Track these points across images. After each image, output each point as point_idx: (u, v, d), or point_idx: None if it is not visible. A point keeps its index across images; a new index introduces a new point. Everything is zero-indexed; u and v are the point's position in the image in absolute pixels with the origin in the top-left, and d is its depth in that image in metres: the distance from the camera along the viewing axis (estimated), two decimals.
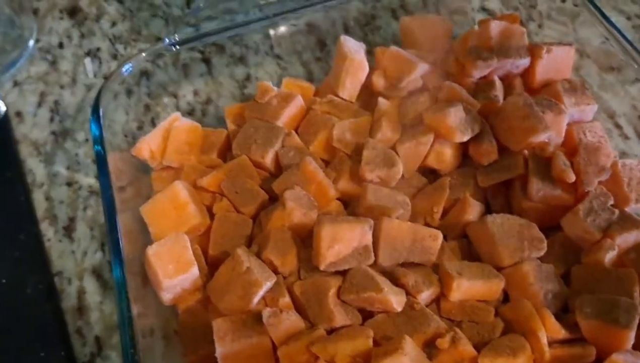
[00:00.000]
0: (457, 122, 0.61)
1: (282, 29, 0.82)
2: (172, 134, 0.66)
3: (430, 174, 0.64)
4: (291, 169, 0.60)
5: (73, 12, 0.89)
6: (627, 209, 0.59)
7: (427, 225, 0.60)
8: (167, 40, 0.68)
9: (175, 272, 0.53)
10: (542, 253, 0.56)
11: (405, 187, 0.62)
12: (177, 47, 0.69)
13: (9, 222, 0.68)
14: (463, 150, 0.64)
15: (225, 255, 0.58)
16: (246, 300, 0.53)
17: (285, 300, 0.53)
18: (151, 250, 0.54)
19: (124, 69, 0.66)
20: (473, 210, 0.59)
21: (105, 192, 0.57)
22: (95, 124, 0.61)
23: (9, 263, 0.65)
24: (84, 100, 0.80)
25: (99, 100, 0.63)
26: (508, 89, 0.67)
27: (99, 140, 0.60)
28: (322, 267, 0.53)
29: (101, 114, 0.63)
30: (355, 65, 0.66)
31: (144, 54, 0.68)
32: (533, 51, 0.67)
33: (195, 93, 0.80)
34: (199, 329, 0.55)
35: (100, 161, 0.59)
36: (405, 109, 0.65)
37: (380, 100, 0.65)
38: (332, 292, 0.53)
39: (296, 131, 0.66)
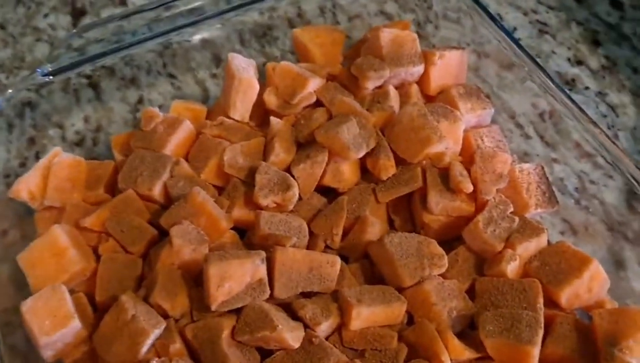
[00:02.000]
0: (350, 138, 0.58)
1: (175, 46, 0.78)
2: (52, 171, 0.61)
3: (330, 192, 0.62)
4: (179, 202, 0.56)
5: None
6: (527, 216, 0.58)
7: (328, 248, 0.58)
8: (39, 71, 0.64)
9: (52, 327, 0.49)
10: (443, 270, 0.54)
11: (304, 209, 0.59)
12: (52, 77, 0.64)
13: None
14: (361, 165, 0.62)
15: (113, 300, 0.54)
16: (134, 350, 0.49)
17: (177, 346, 0.50)
18: (25, 306, 0.50)
19: None
20: (373, 229, 0.57)
21: None
22: None
23: None
24: None
25: None
26: (404, 98, 0.65)
27: None
28: (213, 308, 0.50)
29: None
30: (245, 84, 0.63)
31: (9, 91, 0.63)
32: (426, 57, 0.66)
33: (86, 120, 0.75)
34: None
35: None
36: (299, 127, 0.62)
37: (273, 119, 0.62)
38: (226, 333, 0.50)
39: (186, 158, 0.63)
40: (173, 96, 0.78)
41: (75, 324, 0.50)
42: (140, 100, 0.77)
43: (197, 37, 0.77)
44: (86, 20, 0.86)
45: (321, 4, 0.83)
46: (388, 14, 0.83)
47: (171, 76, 0.79)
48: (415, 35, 0.66)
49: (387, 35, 0.65)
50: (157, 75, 0.79)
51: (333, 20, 0.83)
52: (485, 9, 0.69)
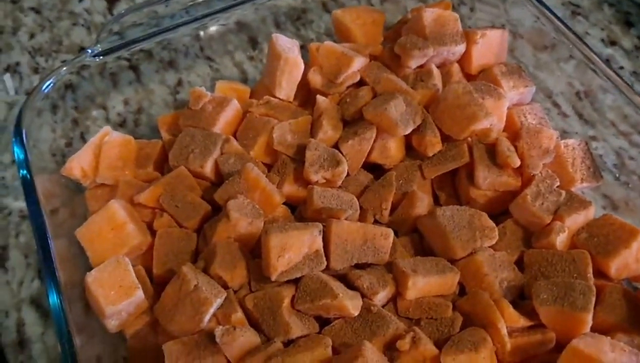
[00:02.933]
0: (398, 115, 0.59)
1: (212, 29, 0.79)
2: (103, 149, 0.62)
3: (374, 169, 0.63)
4: (233, 178, 0.58)
5: None
6: (573, 189, 0.59)
7: (377, 222, 0.59)
8: (89, 51, 0.65)
9: (118, 297, 0.50)
10: (494, 241, 0.55)
11: (352, 185, 0.61)
12: (101, 57, 0.65)
13: None
14: (406, 142, 0.63)
15: (171, 273, 0.55)
16: (197, 319, 0.50)
17: (238, 315, 0.51)
18: (90, 277, 0.51)
19: (44, 85, 0.62)
20: (422, 203, 0.58)
21: (35, 218, 0.53)
22: (19, 146, 0.57)
23: None
24: (7, 119, 0.76)
25: (21, 120, 0.59)
26: (446, 77, 0.66)
27: (24, 163, 0.56)
28: (273, 278, 0.51)
29: (24, 134, 0.59)
30: (290, 63, 0.64)
31: (64, 68, 0.64)
32: (468, 37, 0.67)
33: (126, 102, 0.76)
34: (150, 354, 0.52)
35: (27, 186, 0.55)
36: (344, 105, 0.63)
37: (319, 98, 0.63)
38: (286, 302, 0.51)
39: (234, 136, 0.64)
40: (212, 78, 0.79)
41: (139, 294, 0.51)
42: (179, 83, 0.78)
43: (232, 20, 0.79)
44: (121, 5, 0.87)
45: None
46: None
47: (209, 59, 0.80)
48: (457, 15, 0.67)
49: (429, 14, 0.66)
50: (195, 57, 0.80)
51: (367, 2, 0.84)
52: None
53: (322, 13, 0.84)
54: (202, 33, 0.80)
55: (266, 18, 0.82)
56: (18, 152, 0.57)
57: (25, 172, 0.56)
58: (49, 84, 0.62)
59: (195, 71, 0.79)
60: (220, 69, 0.80)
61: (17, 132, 0.58)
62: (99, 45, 0.65)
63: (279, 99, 0.66)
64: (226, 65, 0.80)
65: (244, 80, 0.79)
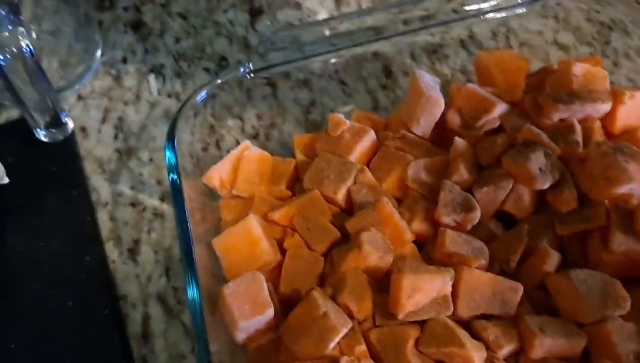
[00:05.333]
0: (537, 168, 0.59)
1: (348, 55, 0.81)
2: (242, 163, 0.65)
3: (502, 217, 0.63)
4: (366, 209, 0.59)
5: (137, 26, 0.89)
6: None
7: (503, 273, 0.59)
8: (241, 69, 0.68)
9: (251, 313, 0.53)
10: (624, 312, 0.54)
11: (480, 232, 0.61)
12: (251, 75, 0.68)
13: (75, 242, 0.68)
14: (539, 195, 0.62)
15: (296, 293, 0.57)
16: (322, 345, 0.52)
17: (362, 348, 0.52)
18: (228, 289, 0.53)
19: (199, 97, 0.65)
20: (551, 261, 0.58)
21: (183, 224, 0.56)
22: (171, 151, 0.60)
23: (74, 285, 0.65)
24: (148, 118, 0.80)
25: (175, 127, 0.62)
26: (587, 134, 0.65)
27: (175, 168, 0.59)
28: (400, 316, 0.52)
29: (175, 140, 0.62)
30: (432, 102, 0.65)
31: (219, 80, 0.67)
32: (615, 96, 0.66)
33: (259, 117, 0.79)
34: None
35: (176, 191, 0.58)
36: (481, 150, 0.63)
37: (457, 140, 0.64)
38: (411, 342, 0.52)
39: (367, 166, 0.65)
40: (344, 102, 0.81)
41: (271, 312, 0.53)
42: (312, 103, 0.81)
43: (369, 50, 0.80)
44: (263, 19, 0.90)
45: (494, 28, 0.84)
46: (563, 44, 0.83)
47: (342, 83, 0.82)
48: (606, 73, 0.66)
49: (579, 69, 0.65)
50: (329, 79, 0.82)
51: (506, 44, 0.84)
52: None
53: (458, 49, 0.84)
54: (337, 59, 0.81)
55: (402, 49, 0.83)
56: (170, 157, 0.60)
57: (175, 176, 0.59)
58: (203, 96, 0.65)
59: (328, 93, 0.81)
60: (353, 94, 0.81)
61: (170, 138, 0.61)
62: (250, 65, 0.68)
63: (415, 135, 0.67)
64: (359, 90, 0.82)
65: (375, 107, 0.80)
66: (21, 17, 0.64)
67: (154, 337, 0.63)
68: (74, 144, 0.75)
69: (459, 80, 0.81)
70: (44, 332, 0.62)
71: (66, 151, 0.74)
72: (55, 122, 0.71)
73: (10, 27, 0.62)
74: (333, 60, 0.80)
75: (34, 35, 0.83)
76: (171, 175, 0.59)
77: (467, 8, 0.76)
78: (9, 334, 0.62)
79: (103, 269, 0.66)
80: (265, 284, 0.54)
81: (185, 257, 0.54)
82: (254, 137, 0.77)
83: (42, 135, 0.72)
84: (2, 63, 0.62)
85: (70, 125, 0.74)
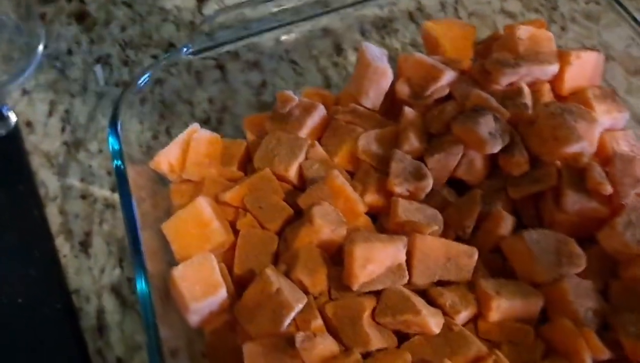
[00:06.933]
0: (487, 132, 0.59)
1: (297, 33, 0.80)
2: (191, 146, 0.64)
3: (455, 184, 0.62)
4: (317, 184, 0.58)
5: (81, 17, 0.87)
6: None
7: (458, 239, 0.58)
8: (184, 49, 0.66)
9: (203, 294, 0.51)
10: (580, 269, 0.54)
11: (434, 200, 0.60)
12: (194, 55, 0.66)
13: (23, 238, 0.66)
14: (490, 159, 0.62)
15: (250, 273, 0.56)
16: (277, 323, 0.51)
17: (318, 322, 0.51)
18: (177, 272, 0.52)
19: (141, 80, 0.63)
20: (506, 224, 0.58)
21: (127, 210, 0.54)
22: (114, 137, 0.59)
23: (24, 281, 0.63)
24: (96, 108, 0.78)
25: (118, 112, 0.61)
26: (535, 96, 0.65)
27: (119, 155, 0.58)
28: (355, 288, 0.51)
29: (119, 126, 0.60)
30: (379, 73, 0.64)
31: (163, 63, 0.65)
32: (562, 57, 0.66)
33: (210, 100, 0.78)
34: (228, 352, 0.53)
35: (121, 177, 0.57)
36: (431, 118, 0.63)
37: (407, 109, 0.63)
38: (367, 313, 0.51)
39: (318, 142, 0.64)
40: (295, 82, 0.80)
41: (223, 292, 0.52)
42: (263, 84, 0.79)
43: (317, 26, 0.79)
44: (211, 4, 0.88)
45: None
46: (510, 12, 0.83)
47: (293, 62, 0.81)
48: (551, 35, 0.66)
49: (524, 32, 0.65)
50: (280, 60, 0.81)
51: (454, 15, 0.84)
52: (624, 7, 0.68)
53: (408, 23, 0.83)
54: (286, 36, 0.80)
55: (352, 25, 0.82)
56: (113, 143, 0.58)
57: (119, 162, 0.57)
58: (145, 79, 0.64)
59: (279, 74, 0.80)
60: (304, 73, 0.80)
61: (113, 123, 0.60)
62: (192, 44, 0.66)
63: (365, 107, 0.66)
64: (310, 69, 0.81)
65: (327, 85, 0.79)
66: None
67: (109, 330, 0.62)
68: (18, 139, 0.73)
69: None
70: None
71: (10, 146, 0.72)
72: None
73: None
74: (283, 38, 0.79)
75: None
76: (115, 161, 0.58)
77: None
78: None
79: (53, 264, 0.64)
80: (216, 264, 0.53)
81: (133, 245, 0.53)
82: (206, 122, 0.76)
83: None
84: None
85: (13, 119, 0.72)
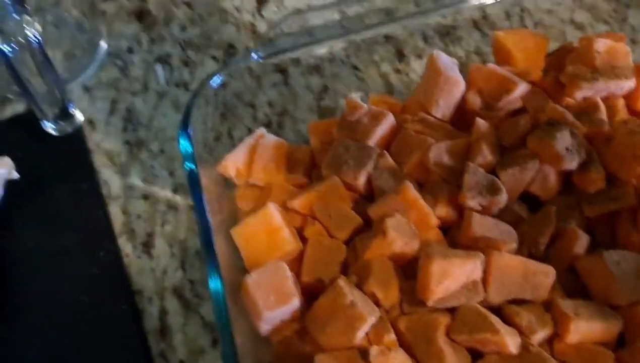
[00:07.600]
0: (564, 147, 0.58)
1: (358, 37, 0.79)
2: (258, 151, 0.63)
3: (527, 199, 0.61)
4: (389, 194, 0.57)
5: (141, 15, 0.87)
6: None
7: (531, 257, 0.57)
8: (254, 55, 0.66)
9: (276, 303, 0.51)
10: None
11: (506, 216, 0.59)
12: (264, 60, 0.66)
13: (87, 237, 0.66)
14: (564, 175, 0.61)
15: (319, 282, 0.55)
16: (349, 335, 0.50)
17: (391, 337, 0.51)
18: (250, 279, 0.52)
19: (213, 83, 0.63)
20: (582, 242, 0.56)
21: (201, 214, 0.54)
22: (186, 140, 0.59)
23: (88, 280, 0.63)
24: (156, 108, 0.78)
25: (189, 115, 0.60)
26: (610, 112, 0.64)
27: (192, 158, 0.57)
28: (430, 303, 0.51)
29: (190, 129, 0.60)
30: (451, 83, 0.63)
31: (231, 67, 0.65)
32: (638, 72, 0.64)
33: (270, 104, 0.77)
34: (296, 361, 0.53)
35: (194, 180, 0.56)
36: (504, 131, 0.62)
37: (479, 121, 0.62)
38: (441, 330, 0.50)
39: (387, 151, 0.63)
40: (357, 87, 0.79)
41: (296, 302, 0.52)
42: (324, 89, 0.79)
43: (379, 32, 0.78)
44: (270, 5, 0.88)
45: (508, 8, 0.82)
46: (579, 23, 0.81)
47: (354, 68, 0.80)
48: (629, 49, 0.64)
49: (601, 45, 0.63)
50: (341, 64, 0.80)
51: (520, 24, 0.82)
52: None
53: (472, 31, 0.82)
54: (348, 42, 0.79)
55: (414, 32, 0.81)
56: (186, 146, 0.58)
57: (193, 166, 0.57)
58: (218, 82, 0.64)
59: (340, 79, 0.79)
60: (366, 78, 0.80)
61: (185, 126, 0.59)
62: (261, 50, 0.66)
63: (435, 117, 0.65)
64: (371, 75, 0.80)
65: (390, 92, 0.78)
66: (26, 6, 0.62)
67: (172, 332, 0.62)
68: (82, 137, 0.73)
69: (474, 62, 0.79)
70: (59, 330, 0.60)
71: (75, 144, 0.72)
72: (64, 114, 0.69)
73: (16, 17, 0.60)
74: (344, 45, 0.79)
75: (38, 26, 0.81)
76: (187, 164, 0.57)
77: None
78: (23, 333, 0.60)
79: (117, 264, 0.64)
80: (289, 273, 0.52)
81: (206, 247, 0.52)
82: (267, 125, 0.75)
83: (50, 128, 0.70)
84: (9, 54, 0.60)
85: (79, 116, 0.72)
